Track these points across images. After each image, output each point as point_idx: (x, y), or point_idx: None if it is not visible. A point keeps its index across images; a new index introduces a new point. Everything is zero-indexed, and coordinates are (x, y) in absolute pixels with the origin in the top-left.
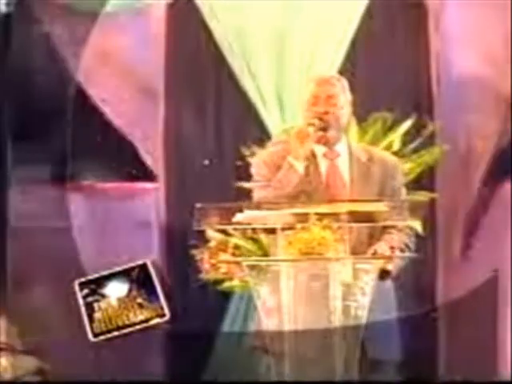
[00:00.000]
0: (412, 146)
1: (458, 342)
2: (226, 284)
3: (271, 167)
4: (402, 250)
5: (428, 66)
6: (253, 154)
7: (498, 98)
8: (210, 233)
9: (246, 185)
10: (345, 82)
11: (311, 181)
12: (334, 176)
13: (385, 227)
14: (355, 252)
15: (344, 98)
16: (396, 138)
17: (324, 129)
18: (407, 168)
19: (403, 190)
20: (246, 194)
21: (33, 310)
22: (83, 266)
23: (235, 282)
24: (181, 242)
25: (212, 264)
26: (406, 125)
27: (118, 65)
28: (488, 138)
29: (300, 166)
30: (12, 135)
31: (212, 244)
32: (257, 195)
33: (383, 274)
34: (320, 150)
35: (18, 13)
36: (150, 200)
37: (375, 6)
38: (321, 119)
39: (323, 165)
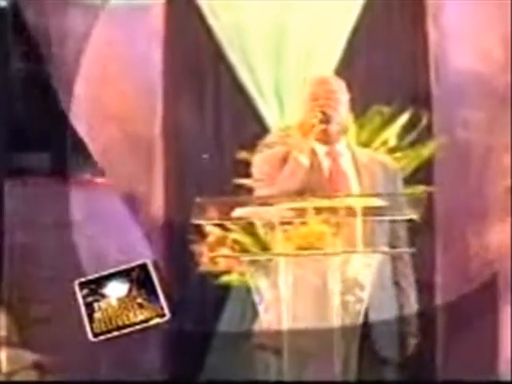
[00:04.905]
0: (408, 139)
1: (458, 341)
2: (224, 278)
3: (274, 165)
4: None
5: (426, 60)
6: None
7: (495, 93)
8: (209, 227)
9: (246, 182)
10: (342, 83)
11: (315, 177)
12: (336, 173)
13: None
14: (367, 246)
15: (342, 96)
16: (393, 132)
17: (326, 121)
18: (404, 162)
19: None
20: (245, 189)
21: (32, 308)
22: (82, 264)
23: (233, 276)
24: (179, 236)
25: (211, 258)
26: (403, 119)
27: (116, 60)
28: (486, 132)
29: (305, 159)
30: (9, 129)
31: (211, 239)
32: (259, 193)
33: None
34: (321, 149)
35: (15, 7)
36: (149, 195)
37: (373, 1)
38: (322, 112)
39: (325, 163)
